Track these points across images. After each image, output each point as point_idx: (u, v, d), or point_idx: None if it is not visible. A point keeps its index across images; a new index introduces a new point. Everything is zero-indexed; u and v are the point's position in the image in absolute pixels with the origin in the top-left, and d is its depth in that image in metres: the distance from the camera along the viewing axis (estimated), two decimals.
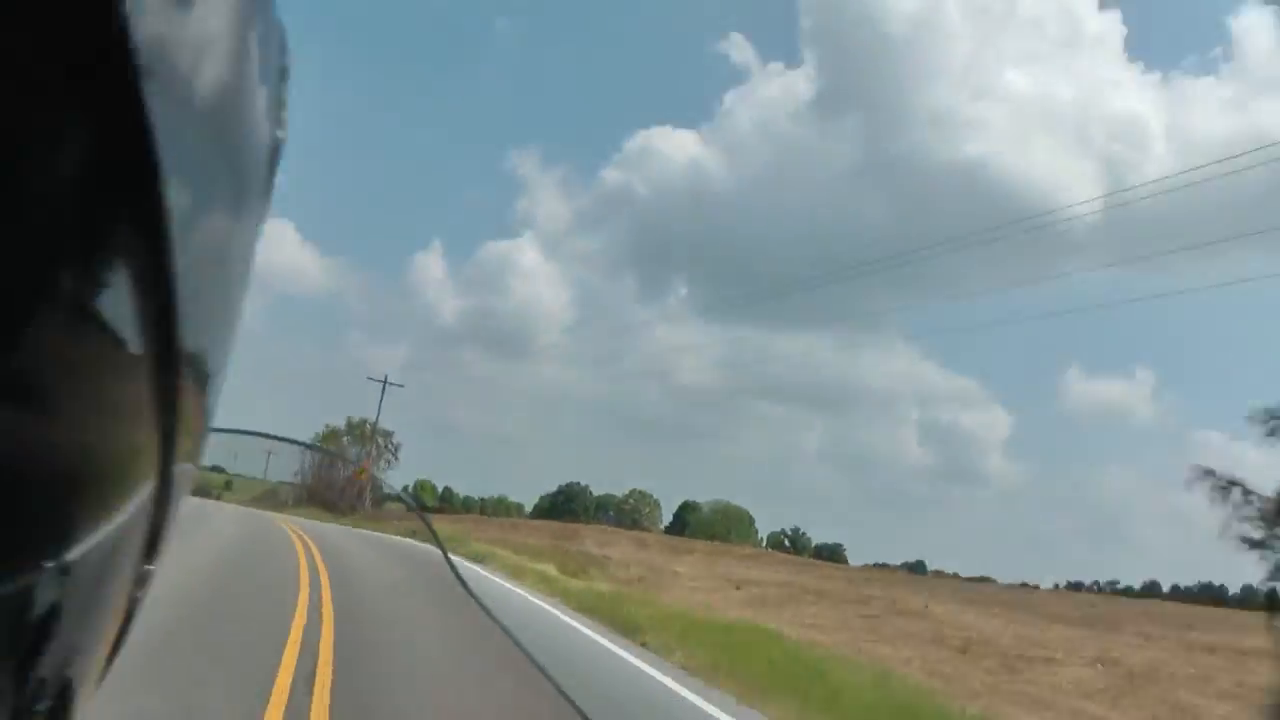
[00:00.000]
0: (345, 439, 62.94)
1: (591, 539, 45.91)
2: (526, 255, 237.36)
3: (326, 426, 64.85)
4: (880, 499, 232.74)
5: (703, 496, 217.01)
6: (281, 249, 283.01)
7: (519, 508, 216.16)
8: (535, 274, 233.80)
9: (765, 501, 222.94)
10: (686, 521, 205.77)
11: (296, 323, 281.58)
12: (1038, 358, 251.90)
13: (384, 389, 57.69)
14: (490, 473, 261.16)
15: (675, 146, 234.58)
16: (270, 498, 73.74)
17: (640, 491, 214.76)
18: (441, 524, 42.71)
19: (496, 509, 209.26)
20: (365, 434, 61.28)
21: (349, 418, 64.21)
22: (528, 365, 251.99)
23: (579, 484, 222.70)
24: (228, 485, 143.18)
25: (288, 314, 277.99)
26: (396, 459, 67.77)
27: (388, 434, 63.97)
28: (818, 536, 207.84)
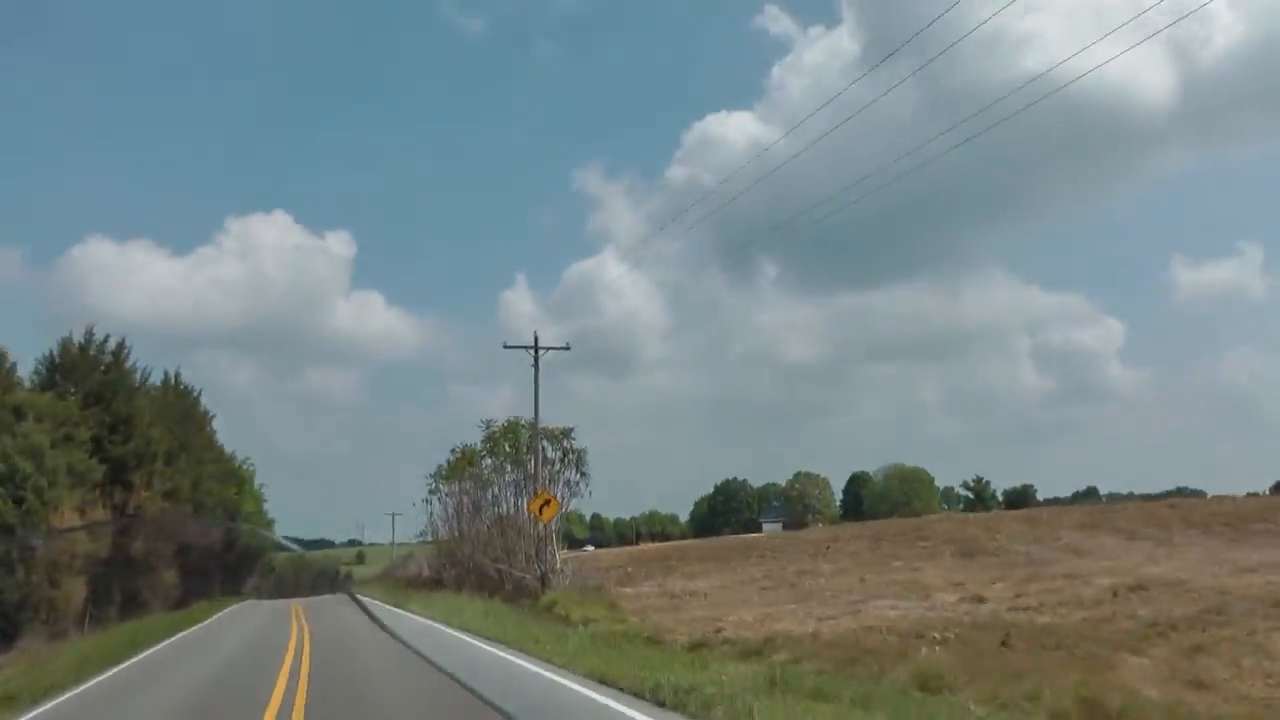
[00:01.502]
0: (486, 459, 37.69)
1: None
2: (610, 270, 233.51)
3: (456, 450, 40.33)
4: (1007, 434, 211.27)
5: (829, 470, 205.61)
6: (373, 318, 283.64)
7: (673, 519, 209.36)
8: (622, 286, 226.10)
9: (893, 456, 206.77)
10: (860, 496, 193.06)
11: (398, 386, 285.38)
12: (1141, 256, 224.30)
13: (537, 358, 32.00)
14: (625, 490, 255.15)
15: (733, 129, 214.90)
16: (400, 571, 64.49)
17: (806, 474, 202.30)
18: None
19: (650, 524, 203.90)
20: (520, 440, 34.90)
21: (488, 422, 36.88)
22: (635, 378, 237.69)
23: (737, 480, 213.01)
24: (360, 559, 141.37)
25: (389, 380, 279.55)
26: (582, 476, 34.26)
27: (566, 432, 34.43)
28: (996, 482, 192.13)
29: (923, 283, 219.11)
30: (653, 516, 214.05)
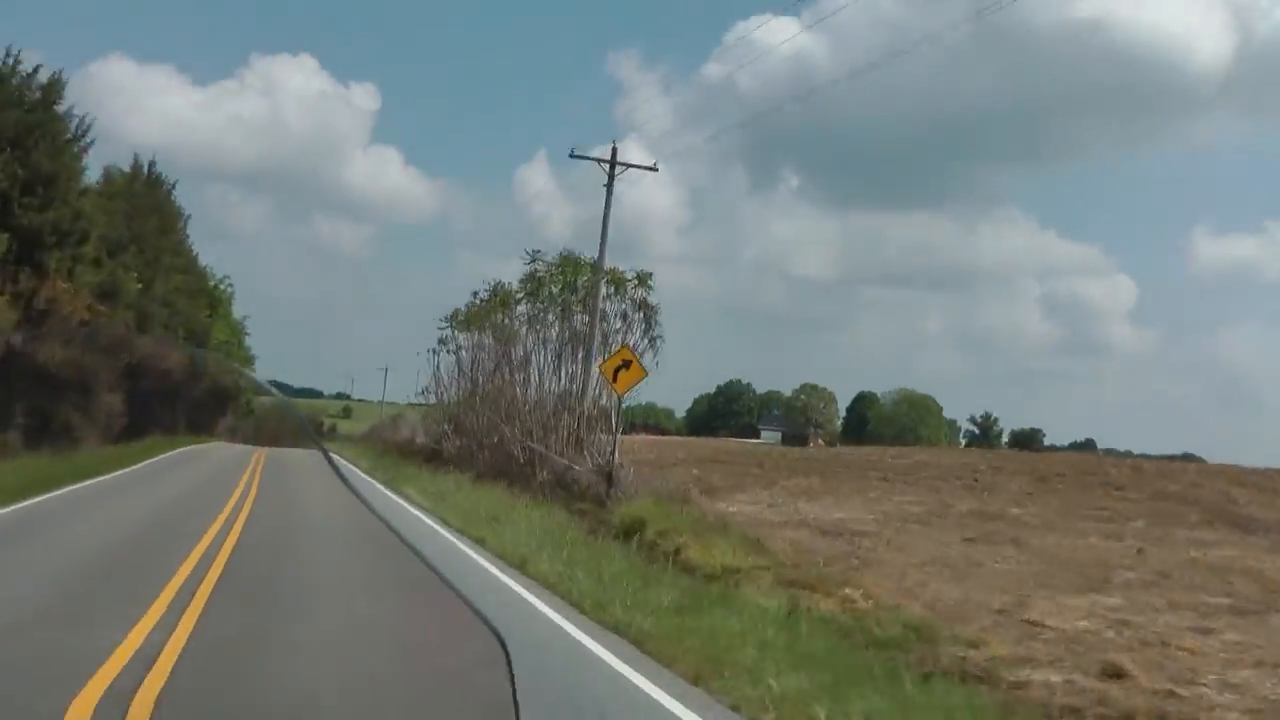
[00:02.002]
0: (521, 303, 28.48)
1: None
2: (633, 159, 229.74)
3: (485, 287, 30.59)
4: (1004, 376, 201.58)
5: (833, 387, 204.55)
6: (388, 175, 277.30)
7: (668, 414, 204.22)
8: (643, 177, 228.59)
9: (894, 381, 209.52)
10: (865, 417, 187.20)
11: (405, 246, 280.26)
12: (1164, 219, 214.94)
13: (612, 176, 25.59)
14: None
15: (776, 35, 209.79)
16: (389, 434, 56.11)
17: (812, 386, 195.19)
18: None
19: (646, 417, 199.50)
20: (575, 280, 26.35)
21: (533, 254, 27.08)
22: (643, 269, 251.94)
23: (741, 382, 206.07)
24: (346, 413, 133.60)
25: (396, 238, 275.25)
26: (652, 342, 24.64)
27: (643, 278, 25.62)
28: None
29: (941, 213, 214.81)
30: (649, 409, 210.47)
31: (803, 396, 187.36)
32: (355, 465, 35.58)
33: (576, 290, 24.95)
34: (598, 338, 23.98)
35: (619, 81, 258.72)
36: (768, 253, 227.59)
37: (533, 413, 24.65)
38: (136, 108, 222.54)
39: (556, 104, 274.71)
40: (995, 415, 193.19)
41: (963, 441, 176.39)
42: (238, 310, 76.62)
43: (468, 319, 30.70)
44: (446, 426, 34.22)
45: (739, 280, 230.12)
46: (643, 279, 23.95)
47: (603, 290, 24.12)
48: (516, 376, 25.95)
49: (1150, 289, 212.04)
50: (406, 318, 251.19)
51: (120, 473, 25.11)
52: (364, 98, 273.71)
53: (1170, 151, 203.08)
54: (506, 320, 28.30)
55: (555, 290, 25.75)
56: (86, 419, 32.26)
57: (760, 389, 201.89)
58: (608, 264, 24.68)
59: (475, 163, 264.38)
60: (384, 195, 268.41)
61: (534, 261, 25.99)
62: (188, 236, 51.93)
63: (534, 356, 25.37)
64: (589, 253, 25.90)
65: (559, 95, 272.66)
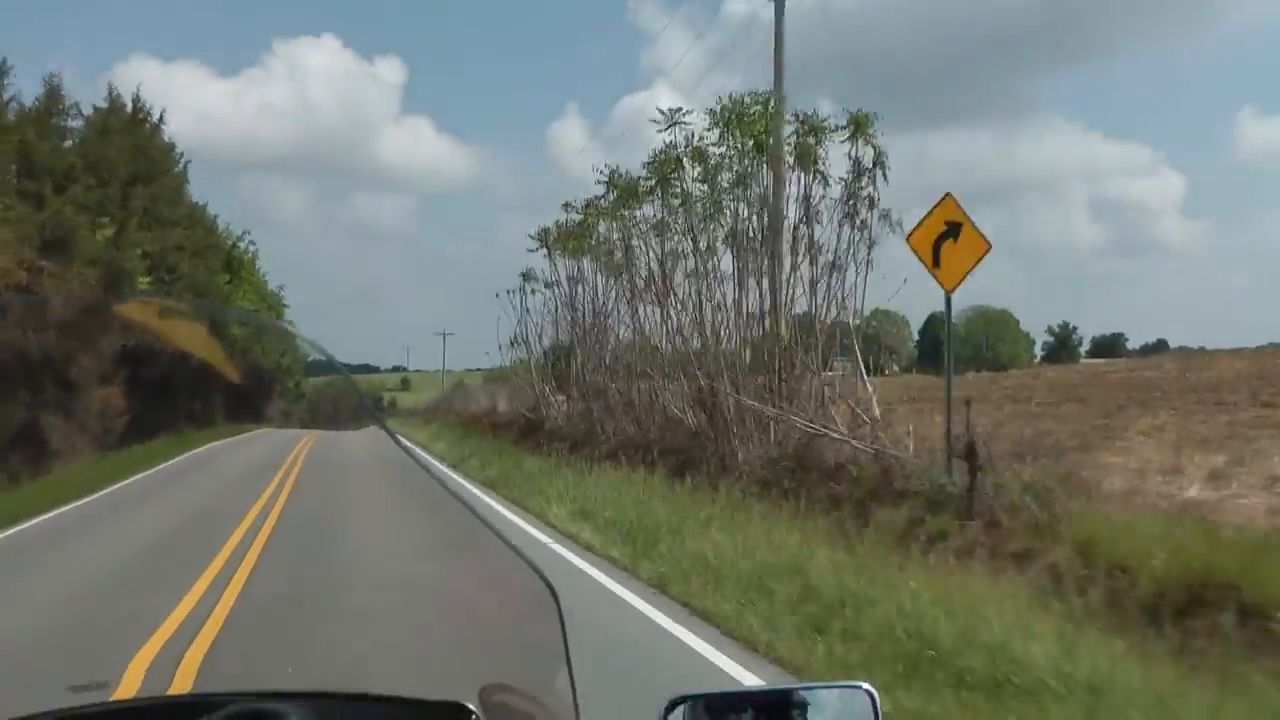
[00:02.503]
0: (652, 199, 17.79)
1: None
2: (663, 104, 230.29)
3: (602, 170, 19.12)
4: (1063, 284, 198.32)
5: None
6: (422, 145, 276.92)
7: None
8: (671, 118, 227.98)
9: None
10: (940, 340, 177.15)
11: (447, 214, 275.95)
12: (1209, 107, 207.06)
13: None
14: None
15: None
16: (459, 404, 48.18)
17: (884, 311, 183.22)
18: None
19: None
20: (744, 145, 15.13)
21: (672, 113, 16.19)
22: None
23: (807, 313, 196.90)
24: (405, 385, 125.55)
25: (437, 207, 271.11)
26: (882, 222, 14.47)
27: (860, 122, 14.06)
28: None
29: (982, 127, 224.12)
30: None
31: (874, 323, 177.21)
32: (430, 449, 27.29)
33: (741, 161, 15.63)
34: (793, 218, 15.05)
35: (641, 29, 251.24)
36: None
37: (705, 354, 15.70)
38: (168, 106, 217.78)
39: (582, 57, 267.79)
40: (1073, 324, 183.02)
41: (1039, 355, 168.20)
42: (271, 278, 68.33)
43: (573, 233, 21.46)
44: (545, 387, 25.54)
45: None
46: (860, 124, 14.55)
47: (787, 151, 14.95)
48: (674, 297, 16.91)
49: (1198, 180, 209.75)
50: (456, 285, 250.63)
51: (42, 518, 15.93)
52: (390, 71, 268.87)
53: (1211, 38, 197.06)
54: (622, 225, 19.25)
55: (696, 173, 16.43)
56: (69, 422, 24.06)
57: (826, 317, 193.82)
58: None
59: (508, 124, 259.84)
60: (420, 166, 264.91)
61: (672, 125, 16.49)
62: (188, 182, 42.42)
63: (703, 262, 16.07)
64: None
65: (584, 48, 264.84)
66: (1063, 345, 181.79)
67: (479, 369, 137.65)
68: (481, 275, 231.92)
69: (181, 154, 40.70)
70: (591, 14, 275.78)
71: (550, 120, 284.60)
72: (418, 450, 23.87)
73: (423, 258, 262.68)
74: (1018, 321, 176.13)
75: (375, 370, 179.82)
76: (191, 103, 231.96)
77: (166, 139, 38.15)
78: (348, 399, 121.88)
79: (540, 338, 25.62)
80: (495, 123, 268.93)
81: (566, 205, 22.24)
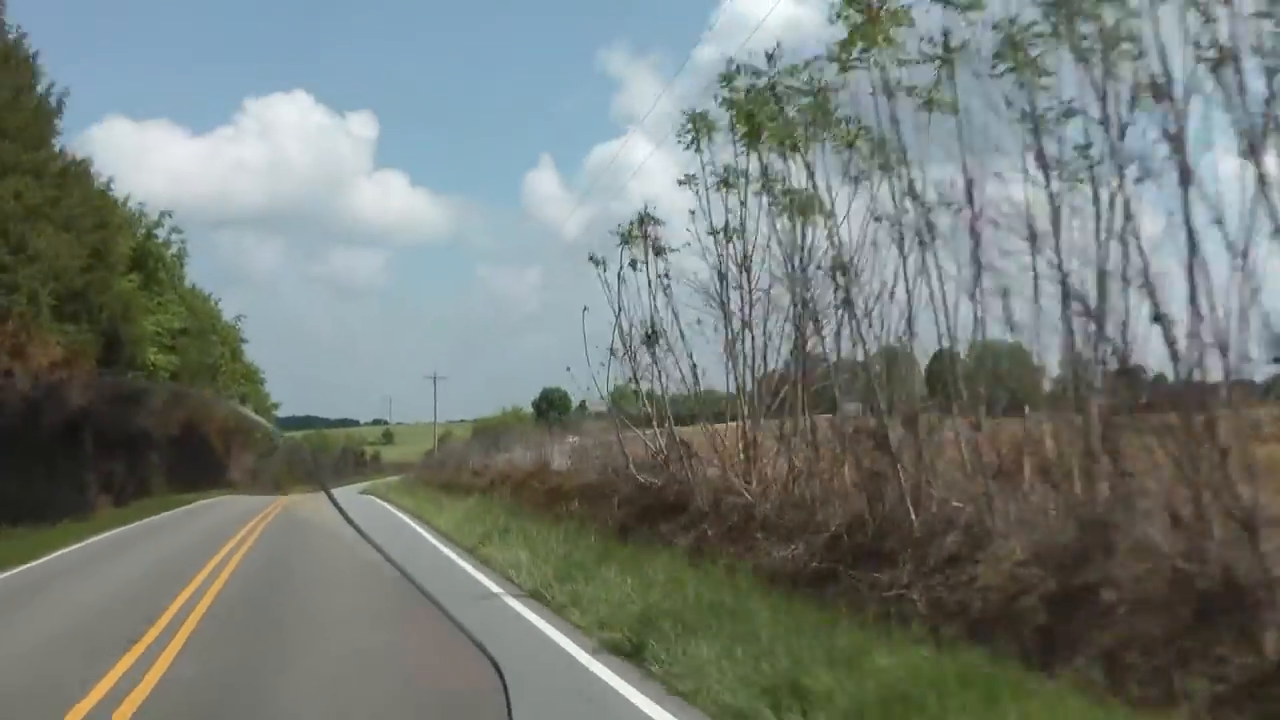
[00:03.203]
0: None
1: None
2: (636, 151, 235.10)
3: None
4: None
5: None
6: (397, 198, 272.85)
7: (732, 399, 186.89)
8: (649, 168, 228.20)
9: None
10: (944, 378, 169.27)
11: (423, 267, 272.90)
12: None
13: None
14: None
15: (766, 6, 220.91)
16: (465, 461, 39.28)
17: (892, 350, 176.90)
18: None
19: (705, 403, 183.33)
20: None
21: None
22: (664, 261, 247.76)
23: (816, 354, 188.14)
24: (387, 438, 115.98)
25: (414, 260, 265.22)
26: None
27: None
28: None
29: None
30: (704, 395, 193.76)
31: (878, 365, 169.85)
32: (486, 561, 17.57)
33: None
34: None
35: (612, 77, 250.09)
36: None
37: None
38: (142, 166, 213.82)
39: (554, 106, 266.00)
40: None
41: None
42: (252, 340, 59.00)
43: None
44: (662, 443, 15.61)
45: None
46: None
47: None
48: None
49: None
50: (435, 337, 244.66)
51: None
52: (362, 126, 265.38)
53: None
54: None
55: None
56: None
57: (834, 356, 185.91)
58: None
59: (481, 176, 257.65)
60: (394, 219, 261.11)
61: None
62: (58, 131, 27.80)
63: None
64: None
65: (555, 98, 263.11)
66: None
67: (463, 420, 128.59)
68: (460, 327, 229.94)
69: (53, 85, 27.25)
70: (562, 64, 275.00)
71: (524, 170, 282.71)
72: (356, 520, 14.95)
73: (400, 311, 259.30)
74: (1030, 355, 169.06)
75: (355, 424, 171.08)
76: (164, 163, 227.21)
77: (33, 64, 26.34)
78: (328, 453, 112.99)
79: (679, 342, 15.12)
80: (469, 174, 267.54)
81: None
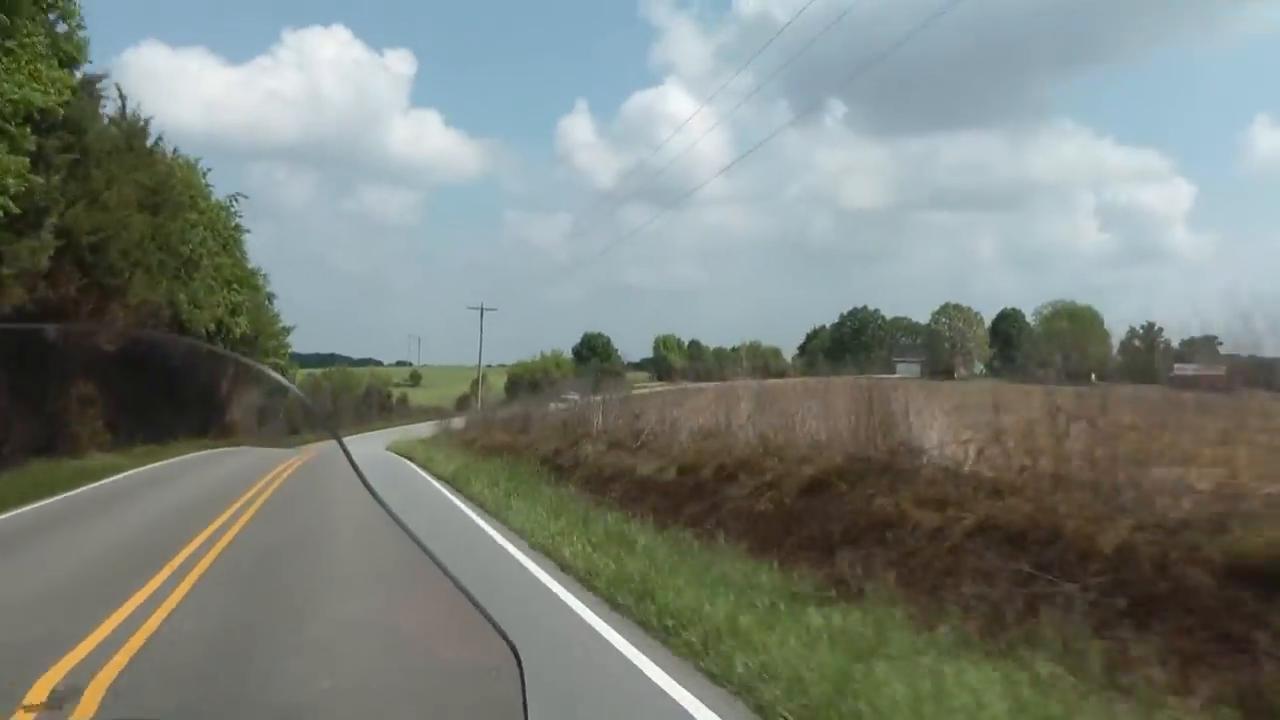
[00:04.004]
0: None
1: None
2: (672, 102, 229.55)
3: None
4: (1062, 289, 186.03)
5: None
6: (431, 138, 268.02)
7: (775, 353, 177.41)
8: (685, 119, 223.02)
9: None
10: (1010, 338, 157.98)
11: (454, 209, 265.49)
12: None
13: None
14: (682, 324, 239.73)
15: None
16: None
17: (955, 306, 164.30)
18: None
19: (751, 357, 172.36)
20: None
21: None
22: (692, 212, 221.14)
23: (867, 309, 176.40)
24: (414, 380, 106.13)
25: (445, 201, 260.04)
26: None
27: None
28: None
29: (993, 130, 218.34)
30: (754, 349, 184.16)
31: (944, 319, 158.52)
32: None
33: None
34: None
35: (653, 25, 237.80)
36: (814, 186, 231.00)
37: None
38: (177, 93, 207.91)
39: (592, 51, 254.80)
40: (1159, 325, 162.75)
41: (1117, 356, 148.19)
42: (275, 269, 48.55)
43: None
44: None
45: (782, 216, 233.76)
46: None
47: None
48: None
49: (1208, 189, 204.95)
50: (463, 278, 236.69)
51: None
52: (400, 63, 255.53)
53: (1226, 42, 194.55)
54: None
55: None
56: None
57: (907, 312, 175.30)
58: None
59: (516, 119, 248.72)
60: (427, 159, 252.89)
61: None
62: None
63: None
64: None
65: (594, 42, 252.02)
66: (1149, 350, 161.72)
67: (500, 365, 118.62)
68: (490, 271, 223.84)
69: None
70: (602, 8, 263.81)
71: (559, 115, 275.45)
72: (376, 488, 6.28)
73: (429, 251, 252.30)
74: (1102, 319, 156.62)
75: (378, 364, 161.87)
76: (200, 91, 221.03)
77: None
78: (351, 394, 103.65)
79: None
80: (504, 117, 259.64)
81: None
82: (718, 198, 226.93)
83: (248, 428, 51.08)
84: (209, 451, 32.88)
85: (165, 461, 25.84)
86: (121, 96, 28.58)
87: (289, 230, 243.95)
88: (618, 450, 15.64)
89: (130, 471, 21.90)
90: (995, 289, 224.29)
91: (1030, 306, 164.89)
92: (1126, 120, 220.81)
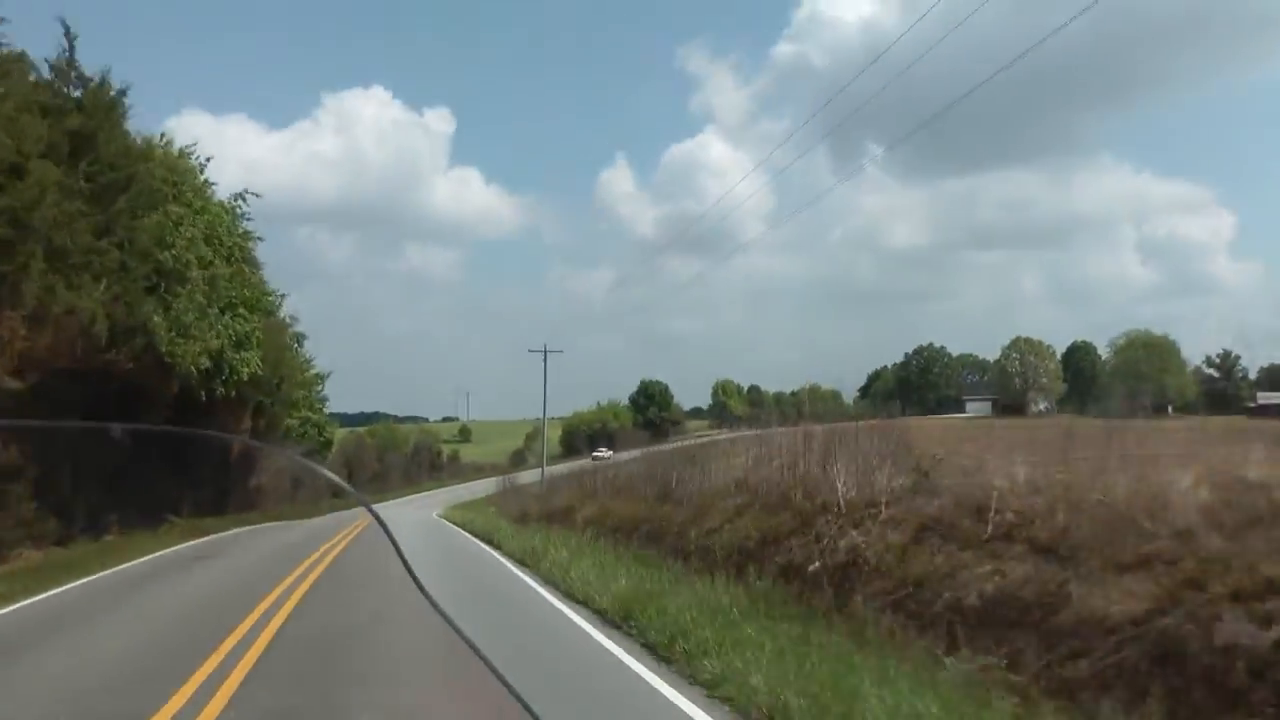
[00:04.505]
0: None
1: None
2: (712, 151, 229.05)
3: None
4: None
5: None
6: (471, 195, 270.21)
7: (835, 395, 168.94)
8: (724, 167, 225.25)
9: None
10: (1083, 371, 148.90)
11: (497, 265, 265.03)
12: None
13: None
14: (730, 371, 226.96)
15: (845, 6, 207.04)
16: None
17: (1026, 340, 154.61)
18: None
19: (814, 400, 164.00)
20: None
21: None
22: (736, 260, 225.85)
23: (934, 346, 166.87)
24: (464, 435, 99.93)
25: (487, 258, 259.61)
26: None
27: None
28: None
29: (1033, 168, 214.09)
30: (814, 393, 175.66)
31: (1014, 355, 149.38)
32: None
33: None
34: None
35: (690, 74, 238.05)
36: (856, 230, 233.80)
37: None
38: (219, 159, 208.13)
39: (631, 104, 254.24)
40: (1236, 354, 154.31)
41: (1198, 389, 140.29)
42: (318, 330, 41.47)
43: None
44: None
45: (830, 259, 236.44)
46: None
47: None
48: None
49: (1250, 217, 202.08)
50: (506, 333, 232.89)
51: None
52: (439, 122, 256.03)
53: (1264, 74, 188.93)
54: None
55: None
56: None
57: (955, 350, 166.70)
58: None
59: (556, 173, 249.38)
60: (469, 216, 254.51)
61: None
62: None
63: None
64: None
65: (632, 95, 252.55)
66: (1226, 376, 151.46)
67: (557, 417, 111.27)
68: (533, 325, 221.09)
69: None
70: (639, 62, 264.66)
71: (599, 168, 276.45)
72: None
73: (473, 307, 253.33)
74: (1178, 349, 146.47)
75: (424, 420, 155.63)
76: (242, 155, 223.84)
77: None
78: (398, 452, 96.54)
79: None
80: (544, 172, 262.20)
81: None
82: (761, 243, 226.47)
83: (280, 494, 44.05)
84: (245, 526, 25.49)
85: (132, 564, 17.63)
86: (68, 34, 21.15)
87: (334, 290, 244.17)
88: (939, 540, 7.81)
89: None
90: (1040, 323, 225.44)
91: (1070, 341, 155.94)
92: (1166, 153, 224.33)
